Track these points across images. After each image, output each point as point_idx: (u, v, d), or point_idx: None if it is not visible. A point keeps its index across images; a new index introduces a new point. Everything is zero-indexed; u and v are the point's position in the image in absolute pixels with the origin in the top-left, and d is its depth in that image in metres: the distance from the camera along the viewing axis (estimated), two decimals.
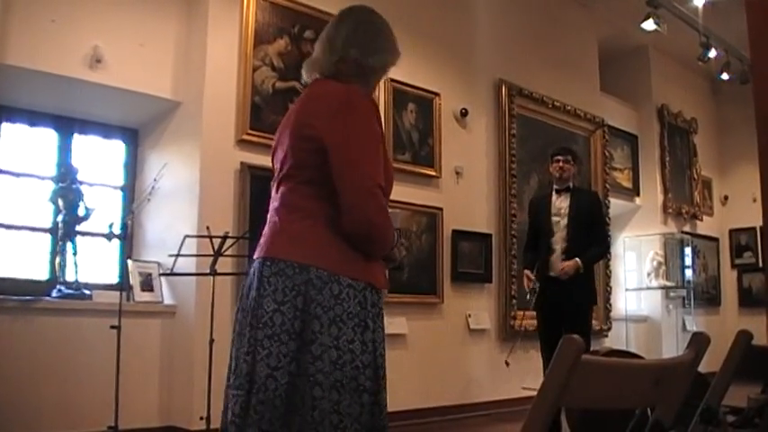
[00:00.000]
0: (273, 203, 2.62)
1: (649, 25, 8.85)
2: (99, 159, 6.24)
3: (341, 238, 2.45)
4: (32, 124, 5.88)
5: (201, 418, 4.87)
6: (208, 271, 5.00)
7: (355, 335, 2.42)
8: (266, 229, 2.60)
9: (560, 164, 5.96)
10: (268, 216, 2.63)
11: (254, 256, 2.59)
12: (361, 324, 2.44)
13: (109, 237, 5.74)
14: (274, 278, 2.45)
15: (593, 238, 5.89)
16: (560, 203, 5.97)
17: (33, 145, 5.90)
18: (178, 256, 4.88)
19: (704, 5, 8.51)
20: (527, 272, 5.99)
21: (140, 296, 5.79)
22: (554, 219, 5.94)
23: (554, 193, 6.03)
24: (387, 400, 2.51)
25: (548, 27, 9.08)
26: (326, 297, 2.40)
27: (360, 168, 2.43)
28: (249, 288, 2.54)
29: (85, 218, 5.73)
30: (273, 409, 2.38)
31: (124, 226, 5.90)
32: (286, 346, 2.39)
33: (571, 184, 6.02)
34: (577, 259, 5.75)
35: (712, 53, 9.71)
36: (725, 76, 10.55)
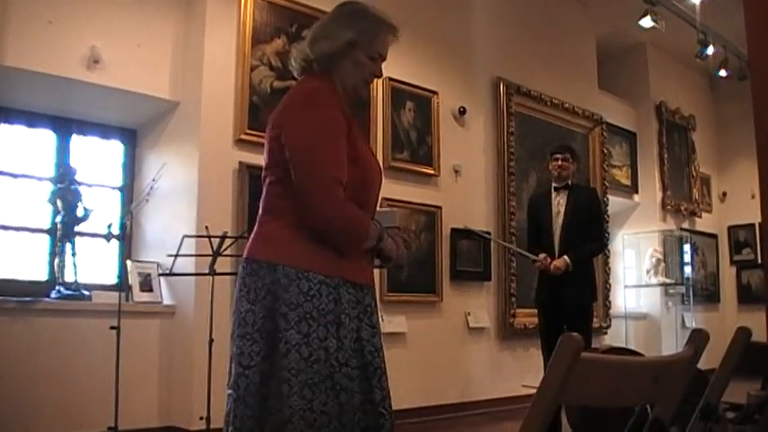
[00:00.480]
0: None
1: (647, 22, 8.85)
2: (97, 160, 6.24)
3: (311, 235, 2.44)
4: (30, 125, 5.88)
5: (201, 418, 4.87)
6: (207, 271, 5.00)
7: (329, 332, 2.39)
8: None
9: (559, 162, 5.97)
10: None
11: None
12: (335, 321, 2.41)
13: (108, 237, 5.74)
14: (249, 278, 2.47)
15: (590, 234, 5.89)
16: (559, 201, 5.97)
17: (31, 146, 5.90)
18: (177, 256, 4.88)
19: (702, 2, 8.51)
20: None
21: (139, 296, 5.79)
22: (553, 216, 5.95)
23: (553, 190, 6.03)
24: (386, 399, 2.49)
25: (546, 25, 9.08)
26: (294, 294, 2.39)
27: (313, 163, 2.42)
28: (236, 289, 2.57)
29: (84, 218, 5.73)
30: (245, 408, 2.39)
31: (123, 226, 5.89)
32: (257, 345, 2.40)
33: (570, 182, 6.02)
34: (566, 257, 5.75)
35: (710, 50, 9.71)
36: (723, 73, 10.54)
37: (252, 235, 2.59)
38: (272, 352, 2.39)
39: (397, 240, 2.65)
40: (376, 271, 2.72)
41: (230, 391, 2.45)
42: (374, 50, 2.65)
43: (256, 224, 2.59)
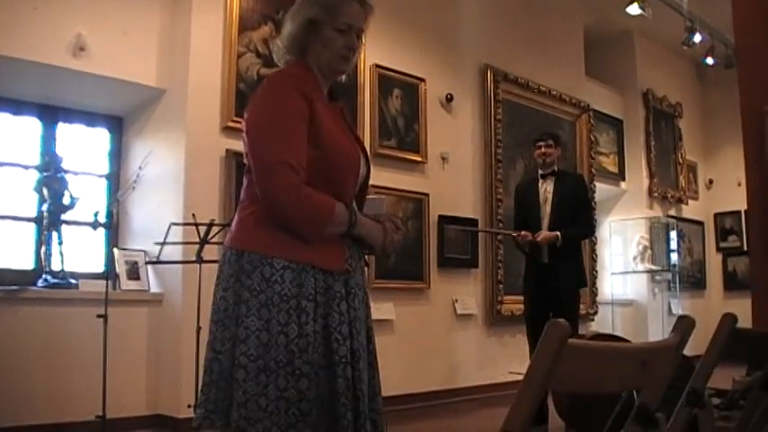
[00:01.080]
0: None
1: (634, 10, 8.87)
2: (83, 148, 6.21)
3: (277, 222, 2.43)
4: (16, 113, 5.85)
5: (189, 406, 4.86)
6: (194, 259, 4.99)
7: (290, 317, 2.37)
8: None
9: (542, 150, 5.99)
10: None
11: None
12: (297, 307, 2.38)
13: (94, 225, 5.71)
14: (223, 266, 2.50)
15: (578, 220, 5.92)
16: (546, 188, 5.99)
17: (17, 134, 5.87)
18: (164, 244, 4.88)
19: None
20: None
21: (127, 285, 5.78)
22: (540, 203, 5.97)
23: (539, 177, 6.05)
24: (356, 388, 2.45)
25: (533, 12, 9.07)
26: (256, 281, 2.39)
27: (260, 147, 2.42)
28: None
29: (70, 207, 5.71)
30: (218, 391, 2.40)
31: (109, 214, 5.88)
32: (228, 331, 2.42)
33: (556, 168, 6.04)
34: (557, 232, 5.78)
35: (697, 38, 9.74)
36: (710, 61, 10.58)
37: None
38: (237, 338, 2.40)
39: (386, 226, 2.63)
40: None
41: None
42: (340, 23, 2.55)
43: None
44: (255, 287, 2.39)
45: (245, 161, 2.58)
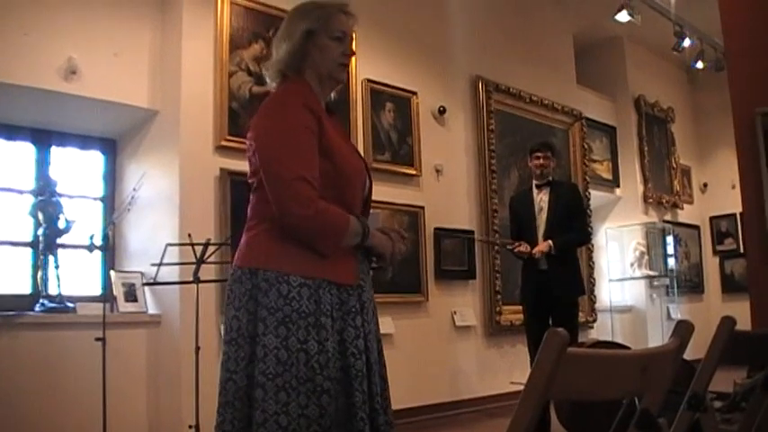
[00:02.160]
0: None
1: (623, 17, 8.90)
2: (77, 171, 6.20)
3: (290, 237, 2.44)
4: (9, 138, 5.84)
5: (190, 427, 4.86)
6: (191, 279, 4.98)
7: (309, 334, 2.38)
8: None
9: (540, 161, 6.00)
10: None
11: None
12: (316, 323, 2.40)
13: (90, 248, 5.70)
14: (234, 285, 2.49)
15: (573, 228, 5.92)
16: (541, 198, 6.00)
17: (11, 159, 5.86)
18: (161, 265, 4.87)
19: None
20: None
21: (124, 307, 5.76)
22: (536, 213, 5.97)
23: (535, 188, 6.06)
24: (374, 401, 2.49)
25: (522, 22, 9.11)
26: (273, 298, 2.39)
27: (276, 163, 2.42)
28: None
29: (66, 230, 5.70)
30: (234, 411, 2.39)
31: (105, 237, 5.87)
32: (242, 350, 2.41)
33: (551, 178, 6.05)
34: (550, 241, 5.79)
35: (686, 42, 9.78)
36: (699, 65, 10.62)
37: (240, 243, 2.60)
38: (254, 357, 2.39)
39: (392, 236, 2.65)
40: None
41: (218, 398, 2.46)
42: (334, 30, 2.62)
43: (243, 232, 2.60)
44: (272, 305, 2.39)
45: (249, 180, 2.59)
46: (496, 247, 7.96)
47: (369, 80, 7.01)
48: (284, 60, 2.63)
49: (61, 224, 5.68)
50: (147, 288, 5.84)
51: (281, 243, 2.45)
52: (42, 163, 5.98)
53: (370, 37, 6.98)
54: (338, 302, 2.48)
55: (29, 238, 5.76)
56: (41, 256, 5.61)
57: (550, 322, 5.79)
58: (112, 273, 5.92)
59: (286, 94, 2.57)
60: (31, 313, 5.37)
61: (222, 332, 2.53)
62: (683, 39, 9.68)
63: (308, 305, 2.40)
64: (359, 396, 2.43)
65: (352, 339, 2.48)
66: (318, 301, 2.42)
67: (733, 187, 10.52)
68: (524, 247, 5.86)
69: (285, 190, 2.39)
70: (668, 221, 11.57)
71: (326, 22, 2.61)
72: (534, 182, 6.07)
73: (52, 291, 5.56)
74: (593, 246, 9.64)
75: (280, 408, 2.32)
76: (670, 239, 11.41)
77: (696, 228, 12.49)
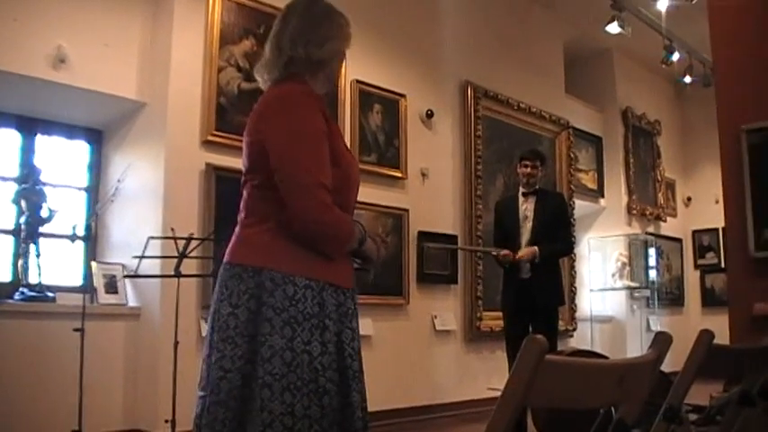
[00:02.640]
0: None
1: (614, 28, 8.93)
2: (63, 160, 6.17)
3: (296, 238, 2.44)
4: None
5: (166, 421, 4.84)
6: (172, 273, 4.96)
7: (313, 336, 2.39)
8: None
9: (528, 169, 6.00)
10: None
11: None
12: (319, 325, 2.41)
13: (72, 238, 5.68)
14: (231, 282, 2.46)
15: (557, 239, 5.93)
16: (527, 206, 6.00)
17: None
18: (142, 257, 4.85)
19: (668, 9, 8.60)
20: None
21: (104, 298, 5.74)
22: (520, 221, 5.98)
23: (521, 195, 6.06)
24: (364, 400, 2.52)
25: (513, 29, 9.13)
26: (279, 299, 2.39)
27: (297, 167, 2.41)
28: (214, 292, 2.55)
29: (49, 219, 5.67)
30: (226, 411, 2.37)
31: (88, 227, 5.85)
32: (240, 349, 2.39)
33: (538, 187, 6.06)
34: (535, 248, 5.80)
35: (675, 56, 9.82)
36: (688, 79, 10.67)
37: (233, 238, 2.57)
38: (254, 356, 2.38)
39: (376, 241, 2.67)
40: None
41: (203, 393, 2.44)
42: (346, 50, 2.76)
43: (237, 227, 2.58)
44: (279, 305, 2.38)
45: (246, 175, 2.56)
46: (479, 254, 7.97)
47: (358, 81, 7.01)
48: (307, 61, 2.63)
49: (44, 213, 5.66)
50: (127, 280, 5.82)
51: (287, 244, 2.45)
52: (27, 151, 5.95)
53: (361, 38, 6.94)
54: (336, 304, 2.49)
55: (11, 226, 5.72)
56: (23, 245, 5.58)
57: (530, 329, 5.80)
58: (94, 264, 5.89)
59: (302, 95, 2.55)
60: (11, 301, 5.34)
61: (210, 327, 2.49)
62: (672, 53, 9.73)
63: (312, 307, 2.42)
64: (356, 396, 2.47)
65: (349, 341, 2.50)
66: (322, 303, 2.44)
67: (716, 202, 10.57)
68: (507, 252, 5.87)
69: (307, 196, 2.39)
70: (651, 233, 11.63)
71: (348, 41, 2.73)
72: (521, 189, 6.08)
73: (33, 279, 5.53)
74: (575, 255, 9.67)
75: (285, 408, 2.33)
76: (652, 251, 11.47)
77: (678, 241, 12.55)
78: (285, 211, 2.43)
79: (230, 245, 2.56)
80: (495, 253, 6.01)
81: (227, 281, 2.47)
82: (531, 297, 5.77)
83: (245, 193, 2.59)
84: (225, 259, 2.54)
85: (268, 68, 2.67)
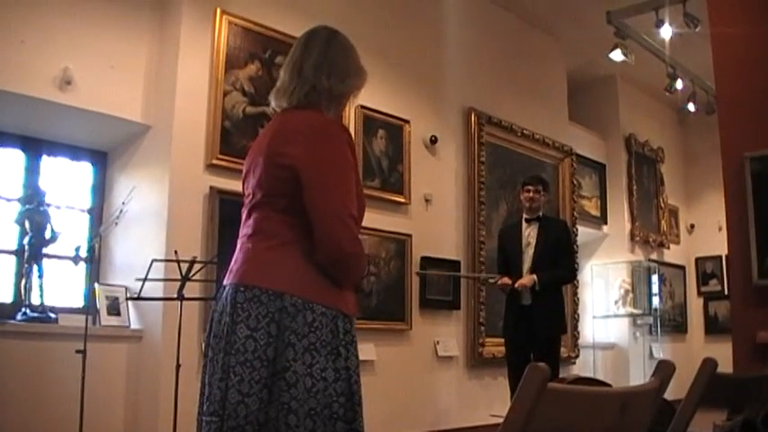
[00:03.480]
0: (245, 230, 2.62)
1: (617, 56, 8.95)
2: (67, 181, 6.19)
3: (315, 266, 2.46)
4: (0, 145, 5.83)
5: None
6: (175, 295, 4.97)
7: (328, 363, 2.42)
8: (238, 255, 2.60)
9: (531, 194, 6.01)
10: (239, 242, 2.64)
11: (225, 282, 2.59)
12: (333, 352, 2.44)
13: (75, 260, 5.69)
14: (248, 304, 2.45)
15: (559, 266, 5.93)
16: (530, 232, 6.02)
17: (0, 166, 5.85)
18: (145, 280, 4.85)
19: (671, 37, 8.63)
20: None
21: (107, 320, 5.73)
22: (523, 247, 5.98)
23: (524, 221, 6.07)
24: (364, 427, 2.53)
25: (517, 57, 9.17)
26: (300, 325, 2.40)
27: (333, 198, 2.45)
28: (222, 314, 2.53)
29: (52, 240, 5.68)
30: None
31: (91, 249, 5.85)
32: (258, 373, 2.39)
33: (541, 213, 6.07)
34: (534, 276, 5.79)
35: (679, 84, 9.84)
36: (691, 107, 10.68)
37: (243, 260, 2.56)
38: (272, 380, 2.38)
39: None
40: None
41: (214, 418, 2.42)
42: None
43: (251, 249, 2.56)
44: (300, 331, 2.41)
45: (268, 197, 2.56)
46: (480, 280, 7.97)
47: (362, 106, 7.03)
48: (328, 93, 2.68)
49: (47, 234, 5.66)
50: (130, 302, 5.81)
51: (310, 270, 2.48)
52: (32, 171, 5.96)
53: (366, 64, 6.97)
54: (344, 331, 2.51)
55: (14, 247, 5.73)
56: (26, 265, 5.58)
57: (532, 357, 5.79)
58: (96, 285, 5.89)
59: (335, 126, 2.62)
60: (13, 322, 5.33)
61: (223, 350, 2.47)
62: (675, 80, 9.75)
63: (327, 334, 2.45)
64: (360, 421, 2.49)
65: (354, 368, 2.52)
66: (335, 330, 2.47)
67: (720, 229, 10.60)
68: (506, 280, 5.86)
69: (340, 226, 2.45)
70: (654, 260, 11.60)
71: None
72: (524, 215, 6.09)
73: (35, 300, 5.53)
74: (578, 282, 9.65)
75: None
76: (655, 278, 11.43)
77: (682, 268, 12.53)
78: (308, 237, 2.45)
79: (242, 265, 2.55)
80: (492, 281, 6.00)
81: (243, 303, 2.46)
82: (533, 324, 5.77)
83: (257, 215, 2.58)
84: (236, 280, 2.52)
85: (288, 94, 2.68)
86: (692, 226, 12.90)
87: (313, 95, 2.65)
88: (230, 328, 2.47)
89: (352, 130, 6.92)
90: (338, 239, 2.44)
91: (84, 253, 5.77)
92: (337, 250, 2.44)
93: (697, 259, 12.69)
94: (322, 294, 2.47)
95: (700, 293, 12.66)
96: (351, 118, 6.93)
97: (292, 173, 2.48)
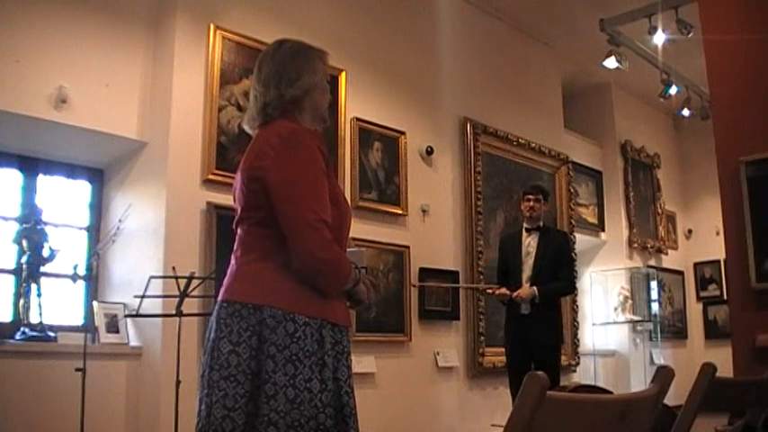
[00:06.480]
0: (234, 246, 2.65)
1: (611, 63, 8.97)
2: (64, 200, 6.19)
3: (295, 276, 2.45)
4: None
5: None
6: (174, 312, 4.96)
7: (313, 373, 2.41)
8: (227, 272, 2.63)
9: (531, 203, 6.03)
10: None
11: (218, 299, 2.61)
12: (318, 362, 2.43)
13: (74, 278, 5.68)
14: (230, 319, 2.46)
15: (559, 277, 5.93)
16: (530, 242, 6.02)
17: None
18: (144, 297, 4.85)
19: (664, 44, 8.66)
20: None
21: (106, 338, 5.72)
22: (523, 257, 5.98)
23: (524, 231, 6.07)
24: None
25: (511, 66, 9.19)
26: (281, 336, 2.40)
27: (300, 204, 2.45)
28: (210, 330, 2.55)
29: (50, 259, 5.67)
30: None
31: (89, 267, 5.84)
32: (242, 387, 2.40)
33: (541, 223, 6.07)
34: (534, 288, 5.79)
35: (673, 90, 9.85)
36: (686, 112, 10.70)
37: (230, 275, 2.58)
38: (256, 394, 2.38)
39: (366, 283, 2.68)
40: None
41: None
42: (327, 75, 2.82)
43: (234, 264, 2.59)
44: (280, 342, 2.40)
45: (244, 213, 2.60)
46: (479, 290, 7.96)
47: (357, 119, 7.04)
48: (291, 101, 2.67)
49: (45, 252, 5.66)
50: (129, 320, 5.80)
51: (287, 281, 2.47)
52: (29, 190, 5.96)
53: (361, 76, 7.02)
54: (333, 342, 2.50)
55: (12, 266, 5.72)
56: (24, 284, 5.57)
57: (532, 366, 5.79)
58: (95, 303, 5.88)
59: (301, 132, 2.60)
60: (12, 341, 5.32)
61: (206, 365, 2.49)
62: (669, 86, 9.77)
63: (312, 344, 2.44)
64: None
65: (345, 379, 2.52)
66: (321, 341, 2.46)
67: (717, 234, 10.58)
68: (504, 291, 5.86)
69: (309, 232, 2.43)
70: (652, 266, 11.60)
71: (324, 67, 2.79)
72: (524, 225, 6.09)
73: (34, 319, 5.52)
74: (577, 290, 9.64)
75: None
76: (654, 284, 11.43)
77: (680, 273, 12.52)
78: (285, 248, 2.45)
79: (226, 282, 2.57)
80: (490, 291, 6.00)
81: (225, 318, 2.48)
82: (531, 333, 5.77)
83: (240, 230, 2.61)
84: (221, 297, 2.55)
85: (251, 117, 2.76)
86: (690, 231, 12.92)
87: (269, 110, 2.68)
88: (214, 343, 2.49)
89: (347, 143, 6.93)
90: (308, 246, 2.43)
91: (82, 271, 5.76)
92: (308, 257, 2.44)
93: (695, 264, 12.70)
94: (304, 304, 2.46)
95: (699, 298, 12.66)
96: (346, 130, 6.93)
97: (263, 184, 2.51)
